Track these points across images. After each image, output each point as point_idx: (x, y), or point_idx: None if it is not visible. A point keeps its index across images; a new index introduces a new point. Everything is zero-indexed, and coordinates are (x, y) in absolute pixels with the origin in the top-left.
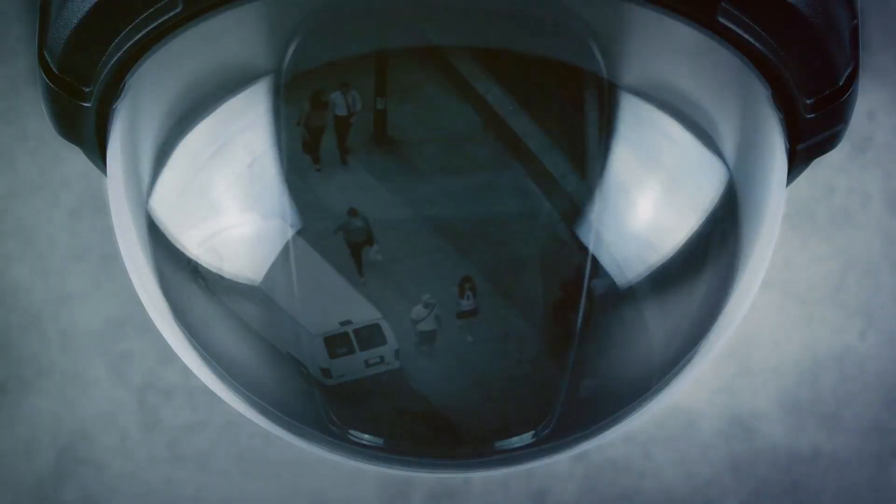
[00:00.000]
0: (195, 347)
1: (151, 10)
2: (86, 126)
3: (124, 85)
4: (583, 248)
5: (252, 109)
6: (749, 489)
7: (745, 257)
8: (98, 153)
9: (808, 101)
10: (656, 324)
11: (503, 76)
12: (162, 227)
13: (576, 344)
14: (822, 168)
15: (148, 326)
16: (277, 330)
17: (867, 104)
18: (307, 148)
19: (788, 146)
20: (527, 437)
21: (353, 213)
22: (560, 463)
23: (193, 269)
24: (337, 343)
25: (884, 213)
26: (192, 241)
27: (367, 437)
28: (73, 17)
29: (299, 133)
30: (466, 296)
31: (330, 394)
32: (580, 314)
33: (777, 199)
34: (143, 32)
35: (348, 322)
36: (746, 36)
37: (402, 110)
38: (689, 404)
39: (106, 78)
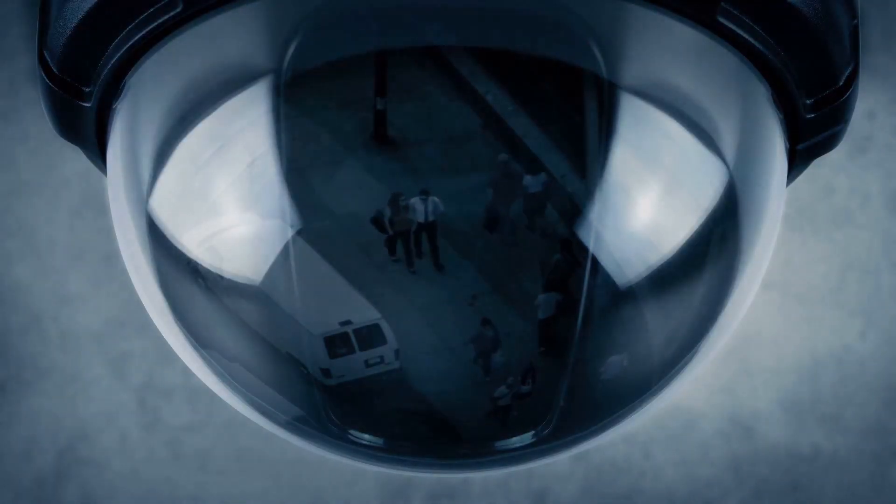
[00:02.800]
0: (195, 347)
1: (151, 10)
2: (86, 126)
3: (124, 85)
4: (583, 248)
5: (252, 109)
6: (749, 489)
7: (745, 257)
8: (98, 153)
9: (808, 101)
10: (656, 324)
11: (503, 76)
12: (162, 227)
13: (576, 344)
14: (822, 168)
15: (148, 326)
16: (277, 330)
17: (867, 104)
18: (391, 245)
19: (788, 146)
20: (527, 437)
21: (485, 322)
22: (560, 463)
23: (193, 269)
24: (337, 343)
25: (884, 213)
26: (192, 241)
27: (367, 437)
28: (73, 17)
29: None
30: (527, 382)
31: (330, 394)
32: (580, 314)
33: (777, 198)
34: (143, 32)
35: (348, 322)
36: (746, 36)
37: (402, 110)
38: (689, 404)
39: (106, 78)
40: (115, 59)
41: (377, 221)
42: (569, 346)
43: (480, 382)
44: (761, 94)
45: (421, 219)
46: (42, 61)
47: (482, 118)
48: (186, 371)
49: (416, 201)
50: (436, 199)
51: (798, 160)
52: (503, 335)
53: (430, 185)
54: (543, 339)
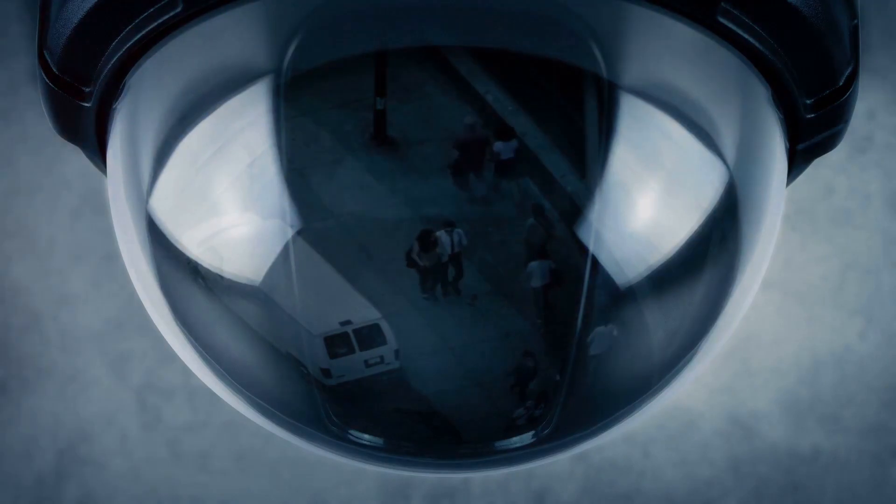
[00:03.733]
0: (195, 347)
1: (151, 10)
2: (86, 126)
3: (124, 85)
4: (583, 248)
5: (252, 109)
6: (749, 489)
7: (745, 257)
8: (98, 153)
9: (808, 101)
10: (656, 324)
11: (503, 76)
12: (162, 227)
13: (576, 344)
14: (822, 168)
15: (148, 326)
16: (277, 330)
17: (867, 104)
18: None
19: (788, 146)
20: (527, 437)
21: (526, 354)
22: (560, 463)
23: (193, 269)
24: (337, 343)
25: (884, 213)
26: (192, 241)
27: (367, 437)
28: (73, 17)
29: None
30: (541, 406)
31: (330, 394)
32: (580, 314)
33: (777, 199)
34: (143, 32)
35: (348, 322)
36: (746, 36)
37: (402, 110)
38: (689, 404)
39: (106, 78)
40: (115, 59)
41: (408, 257)
42: (569, 346)
43: (481, 383)
44: (761, 94)
45: (449, 251)
46: (42, 61)
47: (482, 118)
48: (186, 371)
49: (441, 235)
50: (460, 230)
51: (798, 160)
52: (504, 336)
53: (431, 185)
54: (541, 310)
